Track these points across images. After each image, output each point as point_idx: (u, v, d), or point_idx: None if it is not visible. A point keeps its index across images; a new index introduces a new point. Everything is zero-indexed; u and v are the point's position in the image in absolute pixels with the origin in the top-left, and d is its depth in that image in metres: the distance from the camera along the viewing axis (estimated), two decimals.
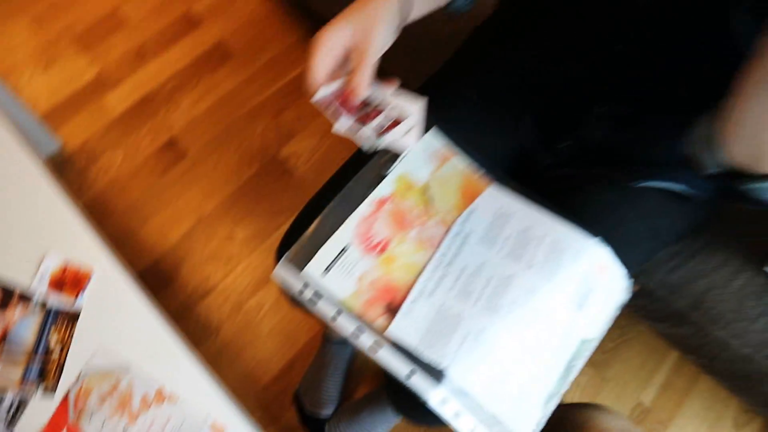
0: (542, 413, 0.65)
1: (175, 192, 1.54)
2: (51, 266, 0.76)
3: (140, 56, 1.73)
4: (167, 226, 1.50)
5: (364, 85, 0.66)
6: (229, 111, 1.65)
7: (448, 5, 0.76)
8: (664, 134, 0.72)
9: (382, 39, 0.65)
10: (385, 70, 0.74)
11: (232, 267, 1.44)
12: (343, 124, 0.70)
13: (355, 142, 0.72)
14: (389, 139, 0.71)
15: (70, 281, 0.75)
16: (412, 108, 0.73)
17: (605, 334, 0.73)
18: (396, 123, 0.72)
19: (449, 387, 0.63)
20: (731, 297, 0.91)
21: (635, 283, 0.96)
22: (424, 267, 0.71)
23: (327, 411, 1.28)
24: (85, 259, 0.77)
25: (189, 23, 1.78)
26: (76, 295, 0.74)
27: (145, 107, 1.66)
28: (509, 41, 0.87)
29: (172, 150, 1.60)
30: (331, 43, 0.64)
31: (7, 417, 0.68)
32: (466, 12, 0.79)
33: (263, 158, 1.57)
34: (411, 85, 0.84)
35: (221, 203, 1.52)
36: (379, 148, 0.73)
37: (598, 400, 1.29)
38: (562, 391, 0.67)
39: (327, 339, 1.31)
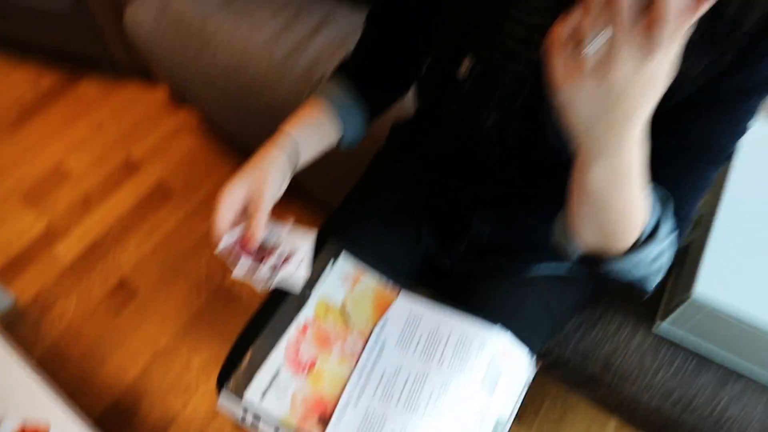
0: None
1: (130, 330, 1.59)
2: (9, 428, 0.80)
3: (86, 204, 1.82)
4: (124, 364, 1.54)
5: (260, 230, 0.76)
6: (174, 245, 1.73)
7: (338, 145, 0.89)
8: (541, 227, 0.82)
9: (273, 189, 0.77)
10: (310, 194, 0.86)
11: (191, 394, 1.48)
12: (242, 268, 0.78)
13: (252, 285, 0.81)
14: (281, 276, 0.79)
15: None
16: (304, 242, 0.82)
17: (546, 405, 0.80)
18: (287, 260, 0.81)
19: None
20: (632, 356, 1.01)
21: (549, 354, 1.06)
22: (348, 378, 0.80)
23: None
24: (42, 415, 0.82)
25: (129, 168, 1.89)
26: None
27: (94, 252, 1.73)
28: (401, 165, 1.00)
29: (123, 290, 1.66)
30: (231, 199, 0.75)
31: None
32: (358, 144, 0.93)
33: (210, 287, 1.65)
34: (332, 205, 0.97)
35: (175, 334, 1.57)
36: (272, 287, 0.83)
37: None
38: None
39: None
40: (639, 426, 1.11)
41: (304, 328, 0.83)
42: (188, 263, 1.70)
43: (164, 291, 1.65)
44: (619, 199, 0.54)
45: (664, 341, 1.01)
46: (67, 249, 1.74)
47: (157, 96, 2.05)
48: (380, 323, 0.84)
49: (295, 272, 0.81)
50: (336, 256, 0.88)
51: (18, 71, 2.11)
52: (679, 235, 0.67)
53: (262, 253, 0.80)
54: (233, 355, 0.83)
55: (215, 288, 1.65)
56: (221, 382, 0.80)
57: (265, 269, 0.79)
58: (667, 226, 0.63)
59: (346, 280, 0.87)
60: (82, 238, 1.76)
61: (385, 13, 0.86)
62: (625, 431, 1.41)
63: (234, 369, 0.79)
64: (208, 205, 1.81)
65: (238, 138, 1.72)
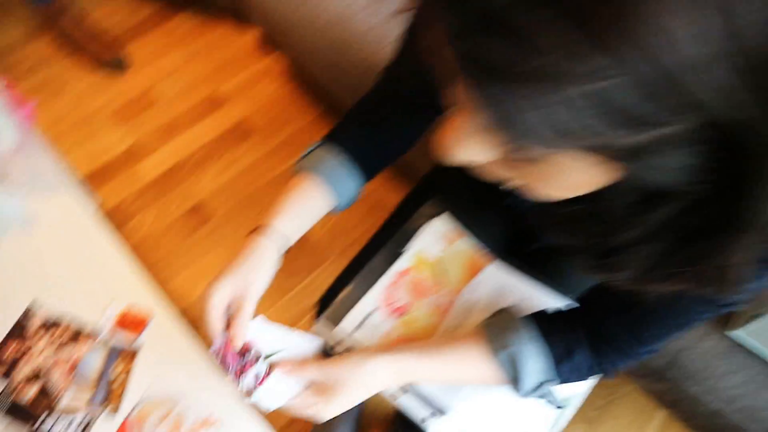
0: None
1: (199, 252, 1.62)
2: (114, 312, 0.83)
3: (170, 130, 1.84)
4: (192, 282, 1.57)
5: (241, 333, 0.68)
6: (250, 181, 1.75)
7: (333, 211, 0.79)
8: None
9: (260, 287, 0.69)
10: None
11: None
12: (229, 373, 0.70)
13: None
14: (259, 395, 0.69)
15: (132, 322, 0.82)
16: (311, 346, 0.73)
17: (594, 391, 0.79)
18: (268, 374, 0.70)
19: (454, 428, 0.72)
20: (702, 356, 0.99)
21: None
22: (437, 328, 0.80)
23: None
24: (145, 304, 0.84)
25: (214, 103, 1.90)
26: (138, 335, 0.82)
27: (174, 175, 1.75)
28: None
29: (197, 214, 1.68)
30: (216, 301, 0.67)
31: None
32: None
33: None
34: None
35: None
36: (249, 403, 0.73)
37: None
38: None
39: None
40: (690, 425, 1.09)
41: (401, 274, 0.82)
42: (261, 199, 1.71)
43: (235, 222, 1.67)
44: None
45: (737, 347, 0.98)
46: (150, 168, 1.76)
47: (246, 39, 2.05)
48: (470, 285, 0.83)
49: (274, 388, 0.70)
50: (436, 215, 0.87)
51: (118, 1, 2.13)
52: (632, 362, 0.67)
53: (243, 360, 0.71)
54: (334, 287, 0.83)
55: None
56: (320, 310, 0.80)
57: (249, 377, 0.69)
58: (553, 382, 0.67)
59: (443, 238, 0.86)
60: (164, 160, 1.78)
61: (400, 68, 0.76)
62: (671, 427, 1.38)
63: (332, 300, 0.80)
64: (285, 148, 1.81)
65: (325, 89, 1.70)
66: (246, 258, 0.68)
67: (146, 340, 0.82)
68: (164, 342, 0.83)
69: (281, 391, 0.70)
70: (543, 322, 0.67)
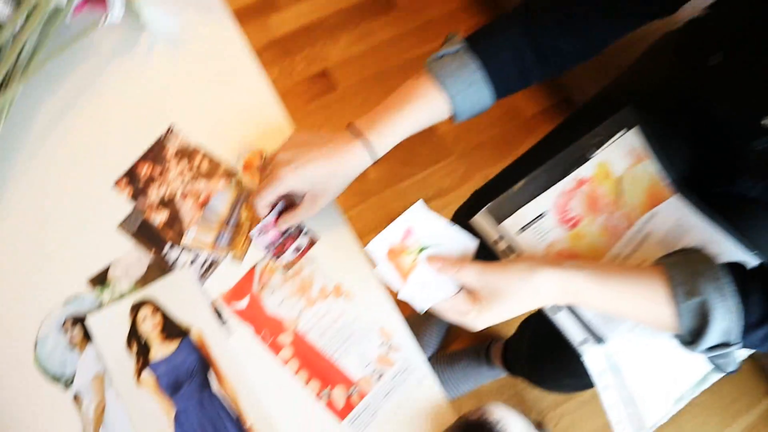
0: (670, 410, 0.65)
1: (319, 119, 1.54)
2: (248, 150, 0.76)
3: None
4: None
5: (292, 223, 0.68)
6: (382, 58, 1.62)
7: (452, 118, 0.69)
8: None
9: (332, 195, 0.66)
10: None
11: (362, 200, 1.43)
12: (262, 244, 0.70)
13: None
14: (408, 291, 0.62)
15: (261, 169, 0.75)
16: (468, 246, 0.65)
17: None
18: (310, 244, 0.71)
19: (609, 361, 0.65)
20: None
21: None
22: (604, 251, 0.68)
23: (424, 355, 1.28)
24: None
25: None
26: None
27: (305, 35, 1.64)
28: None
29: (323, 80, 1.59)
30: (289, 182, 0.63)
31: (200, 271, 0.70)
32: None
33: None
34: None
35: None
36: (399, 298, 0.65)
37: (679, 422, 1.24)
38: (692, 396, 0.67)
39: None
40: None
41: (580, 182, 0.70)
42: (391, 78, 1.59)
43: (362, 95, 1.57)
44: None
45: None
46: (282, 22, 1.66)
47: None
48: (649, 214, 0.71)
49: (425, 283, 0.63)
50: (631, 125, 0.72)
51: None
52: None
53: (280, 240, 0.70)
54: (503, 178, 0.73)
55: None
56: (479, 199, 0.70)
57: (289, 252, 0.70)
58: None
59: (630, 155, 0.72)
60: (298, 17, 1.67)
61: None
62: None
63: (498, 192, 0.69)
64: (426, 31, 1.65)
65: None
66: (335, 156, 0.63)
67: None
68: None
69: (432, 290, 0.62)
70: (741, 276, 0.56)
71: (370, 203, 1.44)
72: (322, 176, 0.63)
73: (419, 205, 0.64)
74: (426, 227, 0.64)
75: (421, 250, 0.63)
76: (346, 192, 0.67)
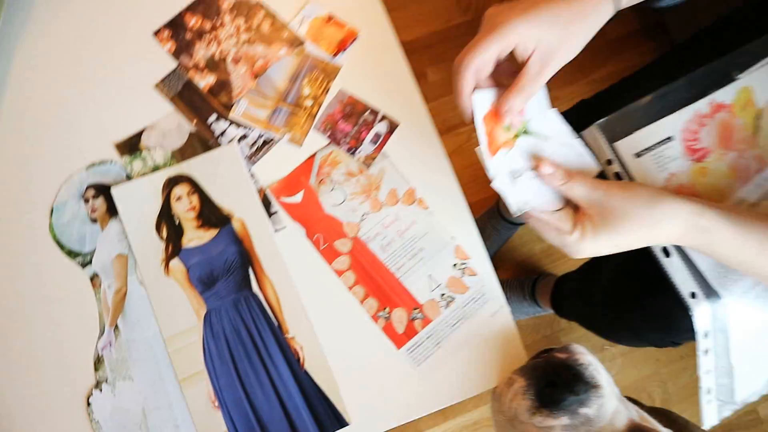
0: (762, 389, 0.59)
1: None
2: (315, 13, 0.62)
3: None
4: (417, 21, 1.36)
5: (518, 107, 0.49)
6: None
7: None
8: None
9: (565, 58, 0.49)
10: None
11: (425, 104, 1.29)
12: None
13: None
14: (502, 183, 0.51)
15: (332, 34, 0.61)
16: (590, 164, 0.53)
17: None
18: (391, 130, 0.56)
19: (717, 323, 0.56)
20: None
21: None
22: (727, 194, 0.56)
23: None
24: (353, 17, 0.62)
25: None
26: (337, 52, 0.61)
27: None
28: None
29: None
30: (511, 40, 0.47)
31: (249, 151, 0.58)
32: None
33: (481, 11, 1.36)
34: None
35: (422, 37, 1.34)
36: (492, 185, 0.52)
37: None
38: None
39: (500, 214, 1.18)
40: None
41: (718, 107, 0.57)
42: None
43: None
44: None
45: None
46: None
47: None
48: None
49: (527, 184, 0.51)
50: None
51: None
52: None
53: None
54: (616, 90, 0.59)
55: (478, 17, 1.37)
56: (585, 111, 0.57)
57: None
58: None
59: None
60: None
61: None
62: None
63: (609, 107, 0.56)
64: None
65: None
66: (580, 12, 0.47)
67: (348, 60, 0.61)
68: (371, 67, 0.61)
69: (532, 191, 0.51)
70: None
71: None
72: (557, 26, 0.48)
73: (543, 92, 0.51)
74: (542, 118, 0.52)
75: (524, 132, 0.51)
76: None
